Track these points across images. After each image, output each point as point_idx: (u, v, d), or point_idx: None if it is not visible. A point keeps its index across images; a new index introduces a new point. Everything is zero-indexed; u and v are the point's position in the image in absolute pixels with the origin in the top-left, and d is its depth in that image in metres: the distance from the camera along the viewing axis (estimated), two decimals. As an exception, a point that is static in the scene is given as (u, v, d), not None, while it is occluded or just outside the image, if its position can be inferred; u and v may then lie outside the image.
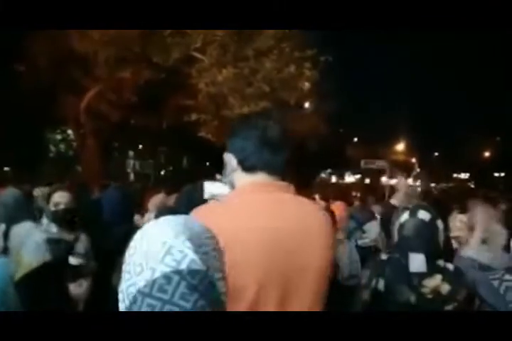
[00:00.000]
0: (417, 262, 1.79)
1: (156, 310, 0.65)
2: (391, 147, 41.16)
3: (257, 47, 10.06)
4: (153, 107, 12.79)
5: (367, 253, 2.91)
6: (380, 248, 3.07)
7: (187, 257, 0.65)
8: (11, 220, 3.15)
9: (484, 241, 2.66)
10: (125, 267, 0.69)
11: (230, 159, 1.26)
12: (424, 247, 1.83)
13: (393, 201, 3.07)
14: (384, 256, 1.93)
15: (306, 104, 13.32)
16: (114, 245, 2.68)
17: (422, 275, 1.77)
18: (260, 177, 1.22)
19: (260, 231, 1.10)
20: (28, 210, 3.40)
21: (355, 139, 42.89)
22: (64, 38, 10.30)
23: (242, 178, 1.23)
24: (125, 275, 0.68)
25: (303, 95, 11.69)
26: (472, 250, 2.39)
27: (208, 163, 25.34)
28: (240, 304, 1.03)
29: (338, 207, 5.88)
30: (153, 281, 0.64)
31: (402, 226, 1.92)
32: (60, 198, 2.48)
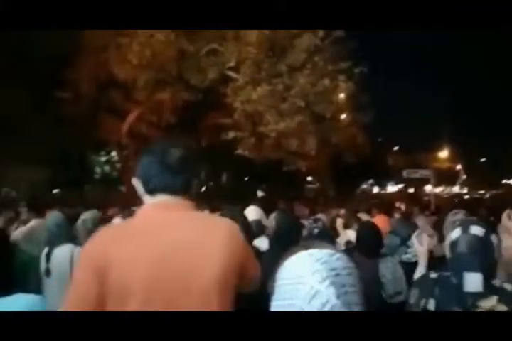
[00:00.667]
0: (472, 281, 1.69)
1: None
2: (434, 154, 39.94)
3: (290, 63, 10.12)
4: (191, 127, 13.06)
5: (412, 270, 2.78)
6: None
7: (329, 302, 0.86)
8: (53, 243, 3.26)
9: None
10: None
11: (136, 183, 1.37)
12: (479, 265, 1.72)
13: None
14: (433, 275, 1.84)
15: (343, 116, 13.19)
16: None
17: (476, 296, 1.66)
18: (161, 199, 1.32)
19: (151, 245, 1.24)
20: (69, 233, 3.51)
21: (396, 148, 41.91)
22: (104, 64, 10.78)
23: (147, 200, 1.35)
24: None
25: (339, 107, 11.62)
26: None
27: (246, 179, 25.50)
28: (127, 306, 1.18)
29: (381, 220, 5.69)
30: None
31: (454, 243, 1.80)
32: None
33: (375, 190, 44.00)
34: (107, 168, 20.84)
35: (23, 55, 10.59)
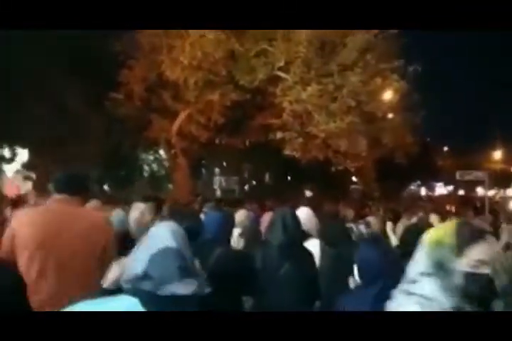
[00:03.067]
0: None
1: None
2: (487, 155, 38.12)
3: (341, 62, 9.93)
4: (239, 127, 13.12)
5: None
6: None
7: None
8: None
9: None
10: None
11: (50, 186, 2.38)
12: None
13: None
14: None
15: (394, 116, 12.81)
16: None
17: None
18: (56, 195, 2.35)
19: (43, 223, 2.21)
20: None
21: (446, 148, 40.34)
22: (156, 65, 11.03)
23: (53, 195, 2.39)
24: None
25: (390, 107, 11.29)
26: None
27: (289, 178, 25.37)
28: (23, 256, 2.12)
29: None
30: None
31: None
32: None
33: (423, 191, 42.62)
34: (155, 166, 21.38)
35: (80, 56, 11.02)
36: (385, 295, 2.20)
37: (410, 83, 10.58)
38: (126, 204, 5.62)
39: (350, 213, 7.07)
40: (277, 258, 2.88)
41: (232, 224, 4.19)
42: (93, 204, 5.63)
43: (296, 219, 3.04)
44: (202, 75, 10.62)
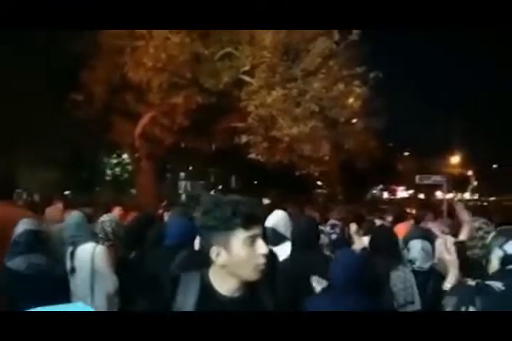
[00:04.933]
0: None
1: None
2: (445, 160, 39.61)
3: (304, 67, 10.08)
4: (204, 130, 13.06)
5: (423, 278, 2.71)
6: (440, 272, 2.82)
7: None
8: (76, 242, 3.30)
9: None
10: None
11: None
12: None
13: (462, 237, 2.88)
14: (471, 282, 1.83)
15: (356, 121, 13.11)
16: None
17: None
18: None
19: None
20: (89, 231, 3.55)
21: (407, 153, 41.64)
22: (119, 66, 10.84)
23: None
24: None
25: (352, 112, 11.54)
26: None
27: (255, 182, 25.49)
28: None
29: (402, 227, 5.56)
30: None
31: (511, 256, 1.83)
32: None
33: (385, 195, 43.74)
34: (118, 170, 20.96)
35: (39, 56, 10.69)
36: (365, 303, 2.24)
37: (372, 89, 10.86)
38: (86, 207, 5.50)
39: (315, 216, 7.15)
40: None
41: (195, 229, 4.12)
42: (56, 206, 5.47)
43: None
44: (166, 77, 10.53)
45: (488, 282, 1.78)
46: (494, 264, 1.88)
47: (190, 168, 21.47)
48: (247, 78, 10.47)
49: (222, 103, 11.48)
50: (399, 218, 7.89)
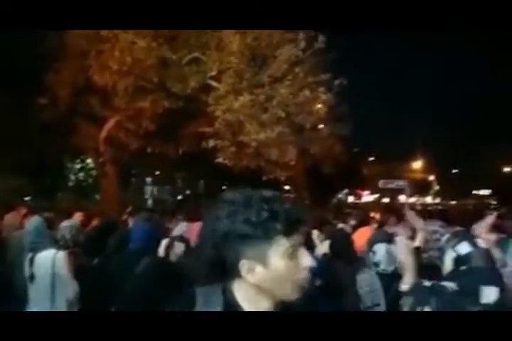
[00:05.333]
0: (489, 294, 1.74)
1: None
2: (408, 165, 40.80)
3: (271, 74, 10.21)
4: (171, 135, 12.97)
5: (388, 280, 2.79)
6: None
7: None
8: (36, 248, 3.22)
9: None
10: None
11: None
12: (494, 278, 1.80)
13: (416, 243, 2.98)
14: (427, 283, 1.88)
15: (322, 127, 13.35)
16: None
17: (479, 305, 1.72)
18: None
19: None
20: (50, 237, 3.47)
21: (372, 158, 42.62)
22: (84, 69, 10.63)
23: None
24: None
25: (318, 118, 11.75)
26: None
27: (223, 187, 25.44)
28: None
29: (364, 231, 5.70)
30: None
31: (465, 257, 1.88)
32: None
33: (350, 199, 44.53)
34: (81, 174, 20.43)
35: (2, 56, 10.34)
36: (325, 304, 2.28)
37: (337, 95, 11.11)
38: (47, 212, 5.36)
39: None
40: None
41: (160, 234, 4.13)
42: (15, 213, 5.32)
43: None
44: (132, 81, 10.42)
45: (442, 283, 1.83)
46: (448, 265, 1.93)
47: (157, 172, 21.21)
48: (214, 83, 10.50)
49: (189, 108, 11.46)
50: (362, 222, 8.09)
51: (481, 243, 1.88)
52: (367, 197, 46.65)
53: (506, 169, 45.09)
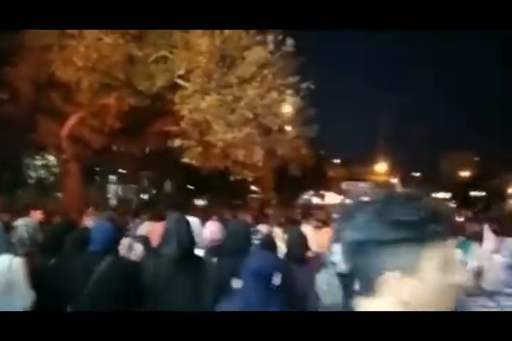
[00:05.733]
0: None
1: None
2: (372, 168, 41.81)
3: (239, 75, 10.24)
4: (137, 133, 12.77)
5: (348, 280, 2.87)
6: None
7: None
8: None
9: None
10: None
11: None
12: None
13: None
14: None
15: (289, 129, 13.51)
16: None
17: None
18: None
19: None
20: (6, 241, 3.34)
21: (337, 161, 43.39)
22: (46, 64, 10.32)
23: None
24: None
25: (285, 121, 11.89)
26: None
27: (190, 187, 25.23)
28: None
29: (327, 234, 5.83)
30: None
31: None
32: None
33: (315, 200, 45.11)
34: (42, 172, 19.75)
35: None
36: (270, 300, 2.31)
37: (304, 99, 11.28)
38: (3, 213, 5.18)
39: (248, 220, 7.31)
40: (172, 269, 2.85)
41: (121, 234, 4.07)
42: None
43: (189, 228, 3.03)
44: (97, 78, 10.19)
45: None
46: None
47: (122, 171, 20.82)
48: (181, 82, 10.42)
49: (155, 106, 11.32)
50: (326, 222, 8.30)
51: None
52: (332, 198, 47.39)
53: (465, 173, 46.98)
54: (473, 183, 43.95)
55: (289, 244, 3.33)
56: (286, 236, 4.90)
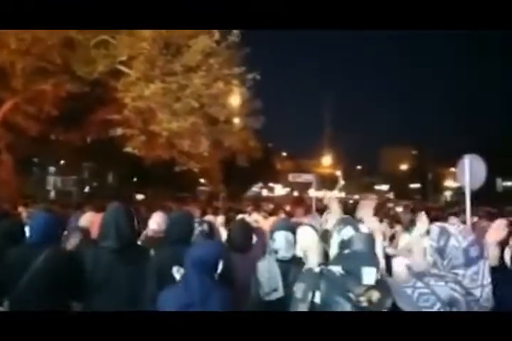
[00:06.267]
0: (370, 275, 1.85)
1: None
2: (318, 161, 42.86)
3: (185, 63, 10.06)
4: (77, 121, 12.21)
5: (288, 267, 2.92)
6: (303, 261, 3.09)
7: None
8: None
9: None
10: None
11: None
12: (373, 260, 1.91)
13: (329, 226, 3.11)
14: (317, 269, 1.97)
15: (236, 120, 13.49)
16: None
17: (366, 287, 1.83)
18: None
19: None
20: None
21: (284, 154, 44.04)
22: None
23: None
24: None
25: (232, 111, 11.85)
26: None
27: (135, 179, 24.58)
28: None
29: (270, 222, 5.91)
30: None
31: (348, 241, 1.97)
32: None
33: (264, 192, 45.66)
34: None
35: None
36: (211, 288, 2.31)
37: (250, 90, 11.29)
38: None
39: (196, 213, 7.23)
40: (112, 261, 2.77)
41: (62, 226, 3.90)
42: None
43: (130, 219, 2.96)
44: (32, 61, 9.60)
45: (330, 267, 1.93)
46: (334, 249, 2.03)
47: (62, 162, 19.88)
48: (124, 69, 10.08)
49: (96, 93, 10.88)
50: (273, 213, 8.48)
51: (363, 228, 2.00)
52: (279, 190, 48.17)
53: (403, 167, 49.35)
54: (411, 176, 46.32)
55: (233, 234, 3.35)
56: (230, 226, 4.94)
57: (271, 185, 45.85)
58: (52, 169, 20.06)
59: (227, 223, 5.75)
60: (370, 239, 1.98)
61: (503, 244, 2.63)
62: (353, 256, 1.93)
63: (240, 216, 6.08)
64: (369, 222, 2.80)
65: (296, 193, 39.75)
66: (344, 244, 1.97)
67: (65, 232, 3.93)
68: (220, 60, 10.55)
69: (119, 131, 9.95)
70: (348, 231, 1.99)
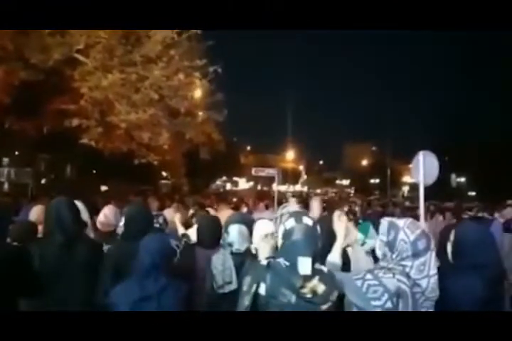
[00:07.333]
0: (305, 265, 1.89)
1: None
2: (281, 155, 43.23)
3: (144, 53, 9.84)
4: (31, 110, 11.68)
5: (242, 260, 2.94)
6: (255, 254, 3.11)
7: None
8: None
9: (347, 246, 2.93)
10: None
11: None
12: (310, 251, 1.93)
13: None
14: (264, 261, 2.00)
15: (198, 113, 13.35)
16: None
17: (304, 277, 1.88)
18: None
19: None
20: None
21: (248, 148, 44.11)
22: None
23: None
24: None
25: (193, 104, 11.71)
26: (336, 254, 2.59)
27: (94, 171, 23.91)
28: None
29: (226, 214, 5.91)
30: None
31: (289, 231, 1.99)
32: None
33: (228, 186, 45.62)
34: None
35: None
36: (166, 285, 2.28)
37: (212, 82, 11.18)
38: None
39: (156, 206, 7.12)
40: (58, 256, 2.71)
41: (8, 219, 3.75)
42: None
43: (74, 212, 2.87)
44: (-20, 47, 9.11)
45: (277, 259, 1.96)
46: (279, 240, 2.05)
47: (16, 153, 19.04)
48: (81, 57, 9.74)
49: (51, 82, 10.45)
50: (236, 208, 8.52)
51: (307, 220, 2.02)
52: (243, 184, 48.24)
53: (363, 163, 50.56)
54: (371, 171, 47.56)
55: (201, 230, 3.31)
56: (196, 221, 4.90)
57: (235, 178, 45.82)
58: (5, 160, 19.19)
59: (191, 217, 5.71)
60: (311, 230, 2.00)
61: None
62: (291, 247, 1.96)
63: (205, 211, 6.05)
64: (336, 220, 2.83)
65: (259, 187, 39.97)
66: (286, 235, 2.00)
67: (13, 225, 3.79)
68: (181, 51, 10.39)
69: (75, 122, 9.63)
70: (289, 223, 2.01)
